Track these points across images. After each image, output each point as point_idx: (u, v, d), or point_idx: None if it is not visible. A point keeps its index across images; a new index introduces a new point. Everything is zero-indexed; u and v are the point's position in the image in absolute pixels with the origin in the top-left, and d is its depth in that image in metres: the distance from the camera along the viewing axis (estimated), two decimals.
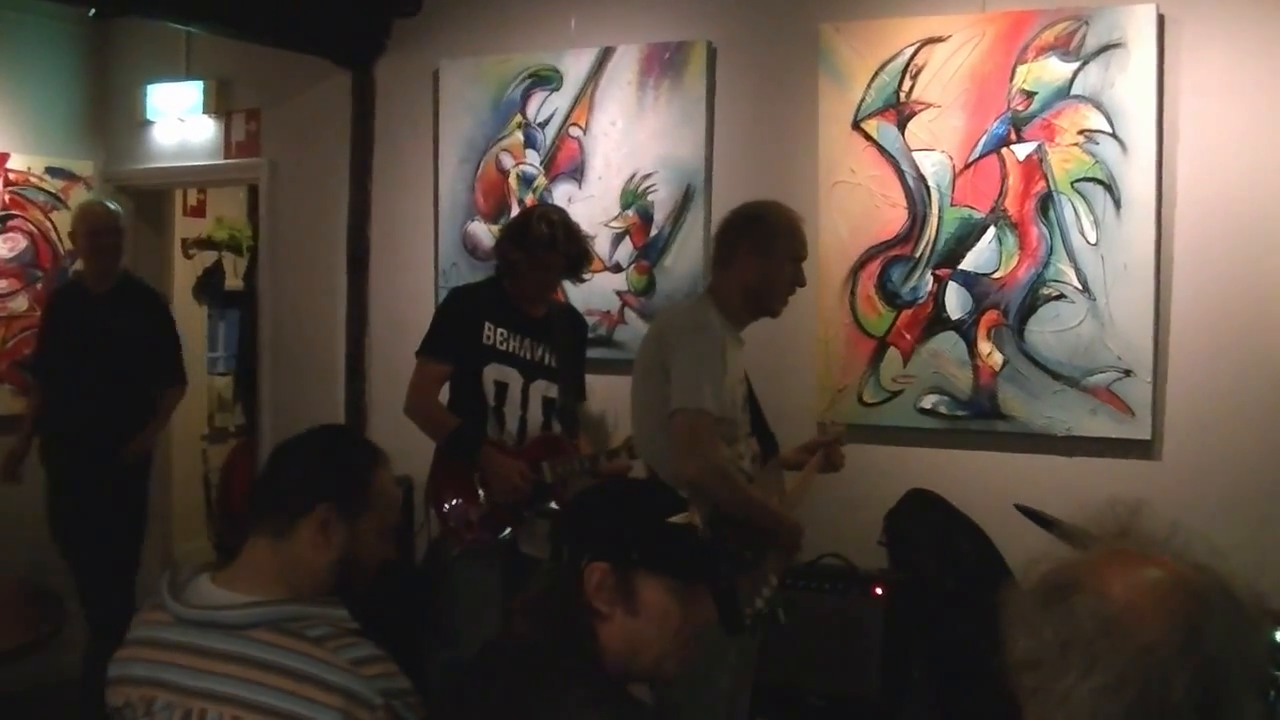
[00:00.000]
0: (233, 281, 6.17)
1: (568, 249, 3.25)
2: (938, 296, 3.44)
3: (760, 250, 2.75)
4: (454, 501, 3.21)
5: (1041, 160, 3.30)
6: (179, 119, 4.79)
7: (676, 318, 2.81)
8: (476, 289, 3.46)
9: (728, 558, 1.78)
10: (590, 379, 3.69)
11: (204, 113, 4.71)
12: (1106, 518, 0.99)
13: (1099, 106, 3.22)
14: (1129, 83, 3.19)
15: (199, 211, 6.23)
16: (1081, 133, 3.25)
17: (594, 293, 3.91)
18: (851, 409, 3.53)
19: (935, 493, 3.34)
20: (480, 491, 3.20)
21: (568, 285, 3.88)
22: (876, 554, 3.33)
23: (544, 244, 3.20)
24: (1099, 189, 3.23)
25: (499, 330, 3.27)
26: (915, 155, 3.45)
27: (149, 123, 4.85)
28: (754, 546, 2.71)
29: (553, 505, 3.24)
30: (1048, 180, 3.29)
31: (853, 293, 3.55)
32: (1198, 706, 0.88)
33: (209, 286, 6.16)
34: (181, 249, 5.90)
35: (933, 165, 3.43)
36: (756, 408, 2.95)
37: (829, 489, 3.16)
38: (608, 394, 3.80)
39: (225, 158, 4.73)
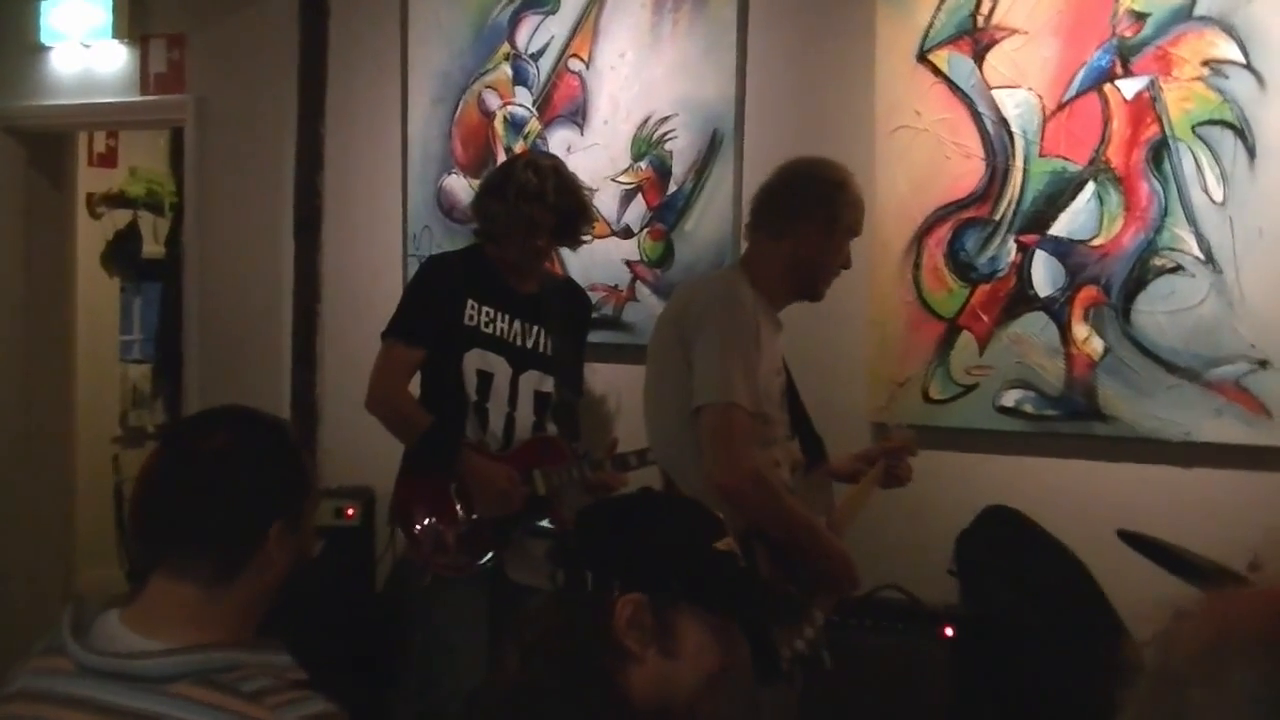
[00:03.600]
0: (151, 247, 6.18)
1: (560, 203, 3.25)
2: (1022, 269, 3.43)
3: (827, 223, 2.78)
4: (427, 521, 3.23)
5: (1154, 99, 3.28)
6: (82, 44, 4.78)
7: (700, 293, 2.82)
8: (456, 258, 3.47)
9: (779, 593, 1.80)
10: (594, 368, 3.70)
11: (114, 37, 4.70)
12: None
13: (1229, 31, 3.20)
14: (1269, 0, 3.17)
15: (109, 161, 6.23)
16: (1206, 64, 3.23)
17: (598, 263, 3.92)
18: (914, 407, 3.53)
19: (1018, 511, 3.34)
20: (458, 506, 3.22)
21: (564, 255, 3.91)
22: (945, 585, 3.34)
23: (531, 196, 3.20)
24: (1228, 134, 3.21)
25: (484, 309, 3.28)
26: (995, 94, 3.44)
27: (44, 48, 4.84)
28: (795, 575, 2.71)
29: (546, 523, 3.26)
30: (1162, 124, 3.28)
31: (916, 264, 3.55)
32: None
33: (121, 253, 6.16)
34: (87, 206, 5.91)
35: (1017, 106, 3.42)
36: (798, 404, 2.95)
37: (887, 505, 3.16)
38: (614, 386, 3.81)
39: (141, 94, 4.73)
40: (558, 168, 3.33)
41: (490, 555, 3.22)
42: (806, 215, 2.77)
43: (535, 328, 3.33)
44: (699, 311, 2.71)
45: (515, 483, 3.20)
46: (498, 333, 3.29)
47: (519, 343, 3.31)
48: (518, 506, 3.20)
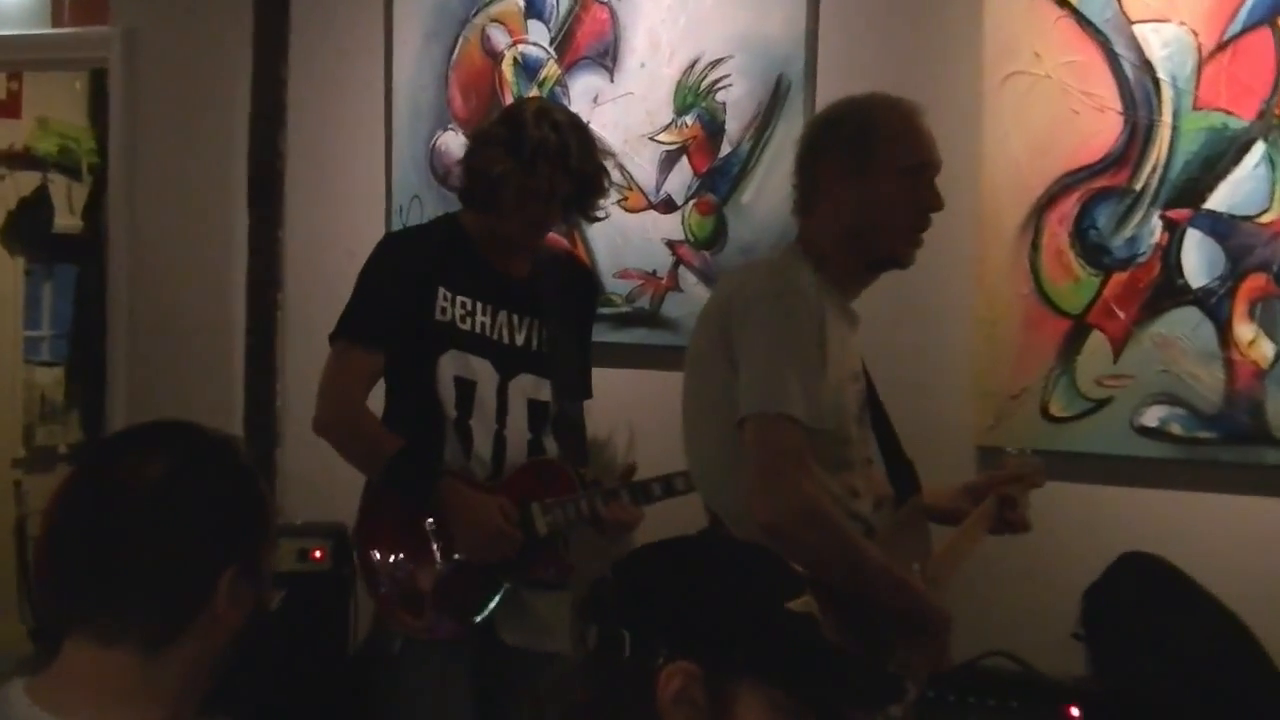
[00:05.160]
0: (66, 220, 6.25)
1: (583, 168, 3.28)
2: (1169, 252, 3.44)
3: (852, 166, 2.76)
4: (394, 570, 3.25)
5: None
6: None
7: (748, 279, 2.82)
8: (424, 234, 3.50)
9: (869, 670, 1.81)
10: (626, 375, 3.73)
11: None
12: None
13: None
14: None
15: (11, 110, 6.30)
16: None
17: (632, 243, 3.95)
18: (1030, 427, 3.54)
19: (1162, 559, 3.35)
20: (436, 549, 3.26)
21: (588, 234, 3.93)
22: (1069, 652, 3.35)
23: (549, 154, 3.22)
24: None
25: (460, 299, 3.31)
26: (1137, 30, 3.45)
27: None
28: (875, 637, 2.73)
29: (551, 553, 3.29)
30: None
31: (1035, 246, 3.56)
32: None
33: (27, 227, 6.23)
34: None
35: (1165, 45, 3.42)
36: (883, 420, 2.96)
37: (994, 550, 3.18)
38: (650, 398, 3.83)
39: (53, 25, 4.79)
40: (576, 123, 3.35)
41: (494, 601, 3.26)
42: (829, 171, 2.77)
43: (527, 320, 3.36)
44: (746, 302, 2.70)
45: (510, 514, 3.22)
46: (478, 328, 3.31)
47: (507, 340, 3.34)
48: (515, 545, 3.23)
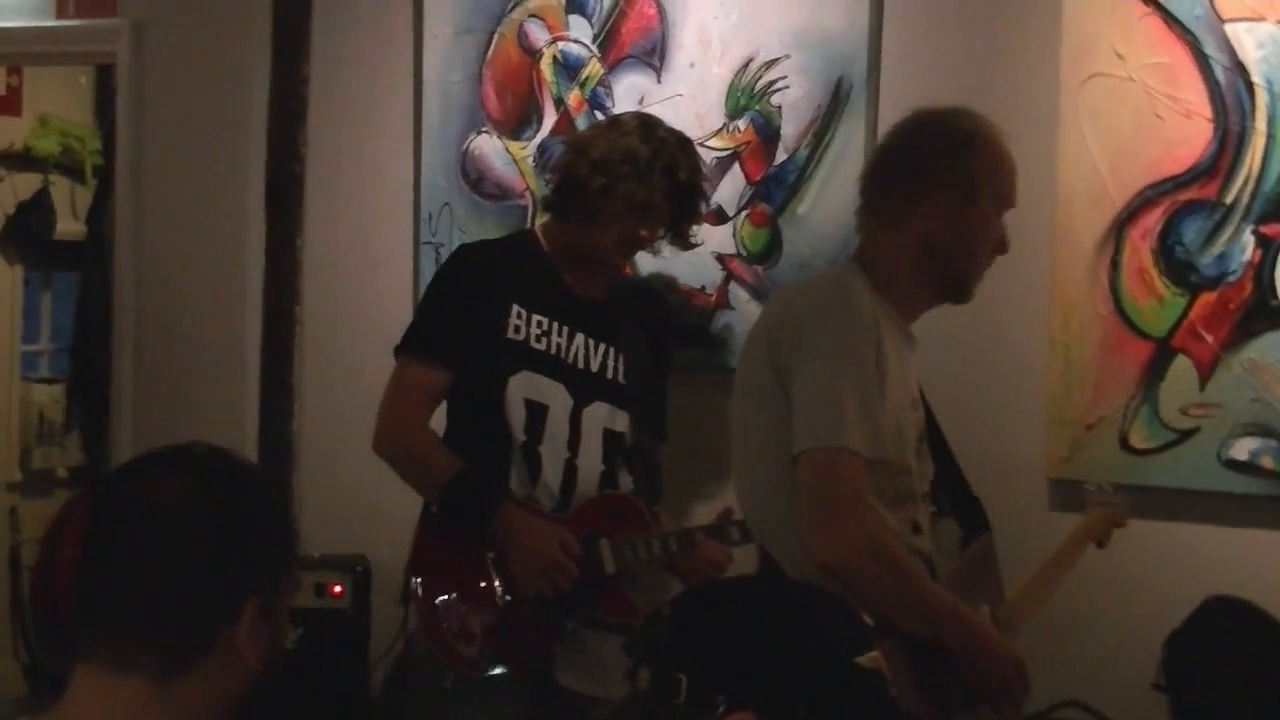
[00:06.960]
0: (68, 225, 6.27)
1: (691, 180, 3.34)
2: (1262, 270, 3.44)
3: (961, 191, 2.78)
4: (454, 601, 3.28)
5: None
6: None
7: (801, 298, 2.82)
8: (499, 248, 3.54)
9: None
10: (673, 398, 3.75)
11: None
12: None
13: None
14: None
15: (10, 107, 6.32)
16: None
17: (679, 256, 3.86)
18: (1108, 459, 3.55)
19: (1252, 604, 3.35)
20: (496, 582, 3.29)
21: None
22: (1150, 704, 3.36)
23: (661, 165, 3.28)
24: None
25: (534, 318, 3.35)
26: (1230, 29, 3.45)
27: None
28: (944, 695, 2.75)
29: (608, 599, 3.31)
30: None
31: (1115, 262, 3.56)
32: None
33: (26, 232, 6.25)
34: None
35: (1260, 46, 3.42)
36: (944, 451, 2.98)
37: (1068, 593, 3.18)
38: (700, 422, 3.85)
39: (56, 17, 4.84)
40: (682, 138, 3.42)
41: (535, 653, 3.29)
42: (932, 184, 2.77)
43: (604, 345, 3.40)
44: (800, 323, 2.71)
45: (571, 547, 3.25)
46: (553, 349, 3.35)
47: (583, 365, 3.38)
48: (572, 578, 3.25)
